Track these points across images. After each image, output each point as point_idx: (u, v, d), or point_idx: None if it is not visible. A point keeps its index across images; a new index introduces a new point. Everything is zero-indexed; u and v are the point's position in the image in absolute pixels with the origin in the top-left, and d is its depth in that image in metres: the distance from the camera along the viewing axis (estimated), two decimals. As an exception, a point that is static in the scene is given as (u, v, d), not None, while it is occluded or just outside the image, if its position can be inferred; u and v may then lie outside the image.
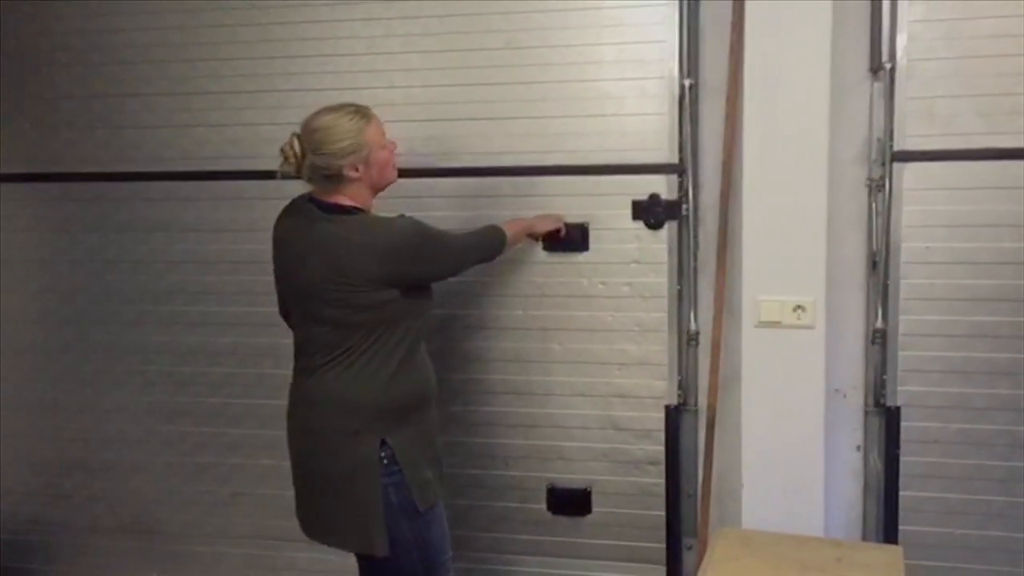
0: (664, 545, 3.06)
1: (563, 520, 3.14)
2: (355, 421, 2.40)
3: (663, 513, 3.05)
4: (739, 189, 2.80)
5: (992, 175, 2.74)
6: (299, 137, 2.41)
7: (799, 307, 2.76)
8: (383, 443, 2.40)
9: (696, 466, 3.03)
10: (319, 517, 2.49)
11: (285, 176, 2.46)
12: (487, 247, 2.72)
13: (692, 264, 2.98)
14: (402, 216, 2.46)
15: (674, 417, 3.01)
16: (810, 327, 2.76)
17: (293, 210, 2.52)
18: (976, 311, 2.79)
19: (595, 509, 3.10)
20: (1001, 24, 2.69)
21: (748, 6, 2.73)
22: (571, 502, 3.12)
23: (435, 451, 2.55)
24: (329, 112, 2.41)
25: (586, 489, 3.10)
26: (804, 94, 2.71)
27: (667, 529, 3.05)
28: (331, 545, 2.51)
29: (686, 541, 3.07)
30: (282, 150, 2.42)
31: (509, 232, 2.76)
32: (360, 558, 2.53)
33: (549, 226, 2.95)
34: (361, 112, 2.44)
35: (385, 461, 2.40)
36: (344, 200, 2.43)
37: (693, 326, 3.00)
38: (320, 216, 2.41)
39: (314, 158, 2.38)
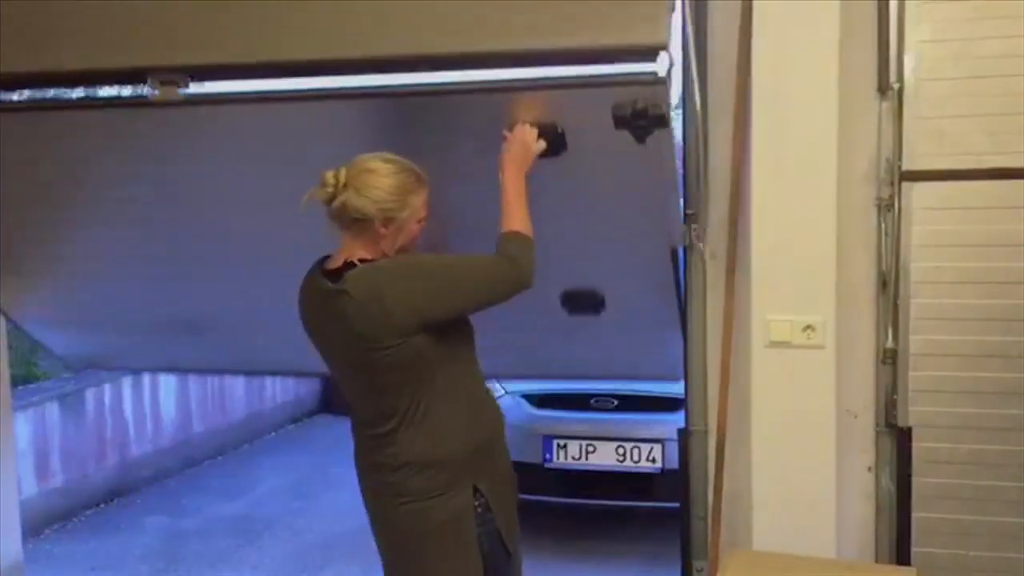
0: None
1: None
2: (443, 476, 2.30)
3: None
4: (748, 209, 2.80)
5: (1001, 194, 2.74)
6: (348, 169, 2.27)
7: (809, 327, 2.75)
8: (476, 491, 2.33)
9: (706, 488, 3.01)
10: None
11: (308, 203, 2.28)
12: (518, 261, 2.33)
13: (702, 285, 2.97)
14: (399, 255, 2.32)
15: (684, 439, 3.00)
16: (820, 347, 2.75)
17: (308, 289, 2.37)
18: (987, 331, 2.77)
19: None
20: (1009, 44, 2.69)
21: (755, 25, 2.74)
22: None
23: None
24: (389, 161, 2.29)
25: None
26: (812, 114, 2.71)
27: (681, 551, 3.03)
28: None
29: (697, 564, 3.05)
30: (323, 175, 2.27)
31: (522, 226, 2.35)
32: None
33: (531, 149, 2.40)
34: (418, 176, 2.31)
35: (479, 510, 2.34)
36: (357, 255, 2.28)
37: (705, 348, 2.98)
38: (329, 288, 2.28)
39: (352, 196, 2.24)
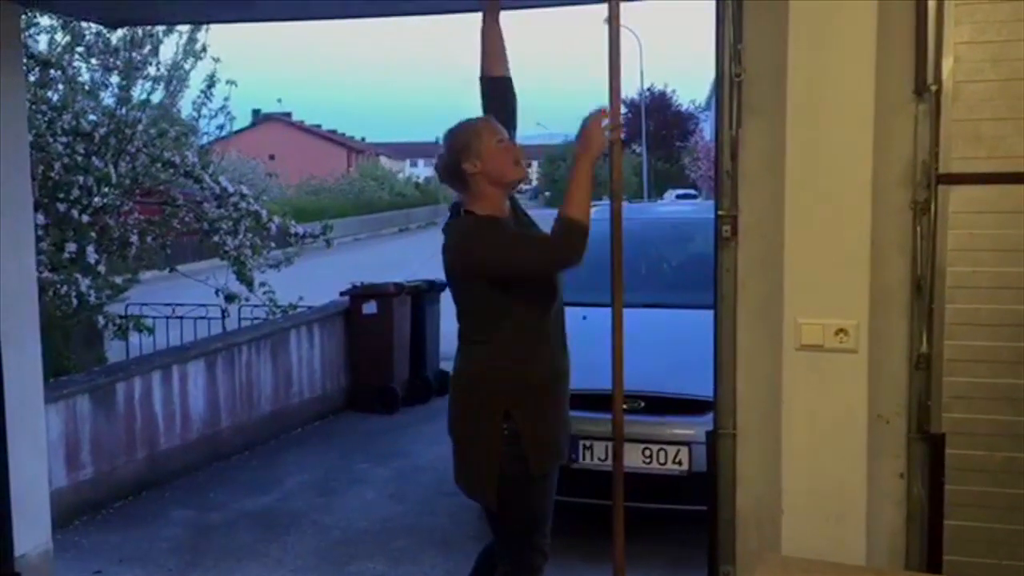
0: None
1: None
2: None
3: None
4: (781, 211, 2.77)
5: (1040, 199, 2.70)
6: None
7: (841, 330, 2.72)
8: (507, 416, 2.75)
9: (734, 491, 2.99)
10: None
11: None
12: (559, 245, 2.69)
13: (733, 287, 2.94)
14: (478, 218, 2.75)
15: (713, 441, 2.98)
16: (853, 351, 2.72)
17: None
18: (1023, 337, 2.73)
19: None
20: (1049, 46, 2.65)
21: (791, 26, 2.71)
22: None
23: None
24: (460, 122, 2.85)
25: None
26: (848, 116, 2.69)
27: (708, 555, 3.01)
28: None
29: (724, 568, 3.03)
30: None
31: (576, 213, 2.66)
32: None
33: (600, 142, 2.72)
34: (481, 119, 2.86)
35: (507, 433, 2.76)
36: (468, 205, 2.80)
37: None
38: (448, 222, 2.85)
39: (445, 157, 2.81)
